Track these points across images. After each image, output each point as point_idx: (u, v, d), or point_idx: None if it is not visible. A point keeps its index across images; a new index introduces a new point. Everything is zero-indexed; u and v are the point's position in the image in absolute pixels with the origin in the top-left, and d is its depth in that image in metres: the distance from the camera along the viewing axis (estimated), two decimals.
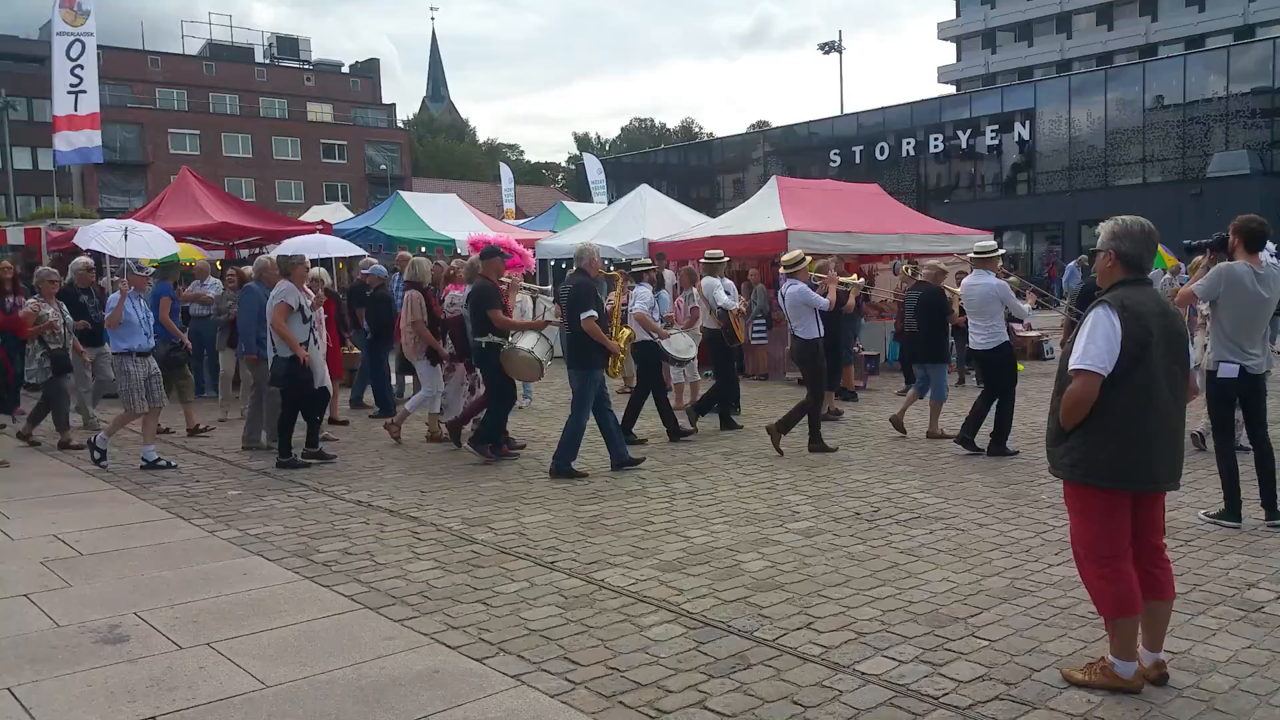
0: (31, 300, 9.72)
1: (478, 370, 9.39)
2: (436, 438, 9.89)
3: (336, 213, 25.84)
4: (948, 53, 73.83)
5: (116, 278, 9.25)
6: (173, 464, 8.73)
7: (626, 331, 9.28)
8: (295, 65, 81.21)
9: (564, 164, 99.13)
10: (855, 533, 6.27)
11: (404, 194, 22.64)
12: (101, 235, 12.05)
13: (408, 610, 4.97)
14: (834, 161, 45.00)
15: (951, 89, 62.42)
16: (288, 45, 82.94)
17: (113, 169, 62.71)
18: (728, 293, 11.08)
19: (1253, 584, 5.14)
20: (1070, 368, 3.83)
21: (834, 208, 16.12)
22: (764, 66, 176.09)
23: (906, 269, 14.15)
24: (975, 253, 9.37)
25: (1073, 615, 4.71)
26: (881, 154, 44.06)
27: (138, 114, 66.32)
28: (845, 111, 47.96)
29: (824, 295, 9.40)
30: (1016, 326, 14.13)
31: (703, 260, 11.57)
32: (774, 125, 61.12)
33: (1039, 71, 57.22)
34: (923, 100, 45.83)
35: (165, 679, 4.14)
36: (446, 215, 21.19)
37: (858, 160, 44.26)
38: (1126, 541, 3.86)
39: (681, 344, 10.14)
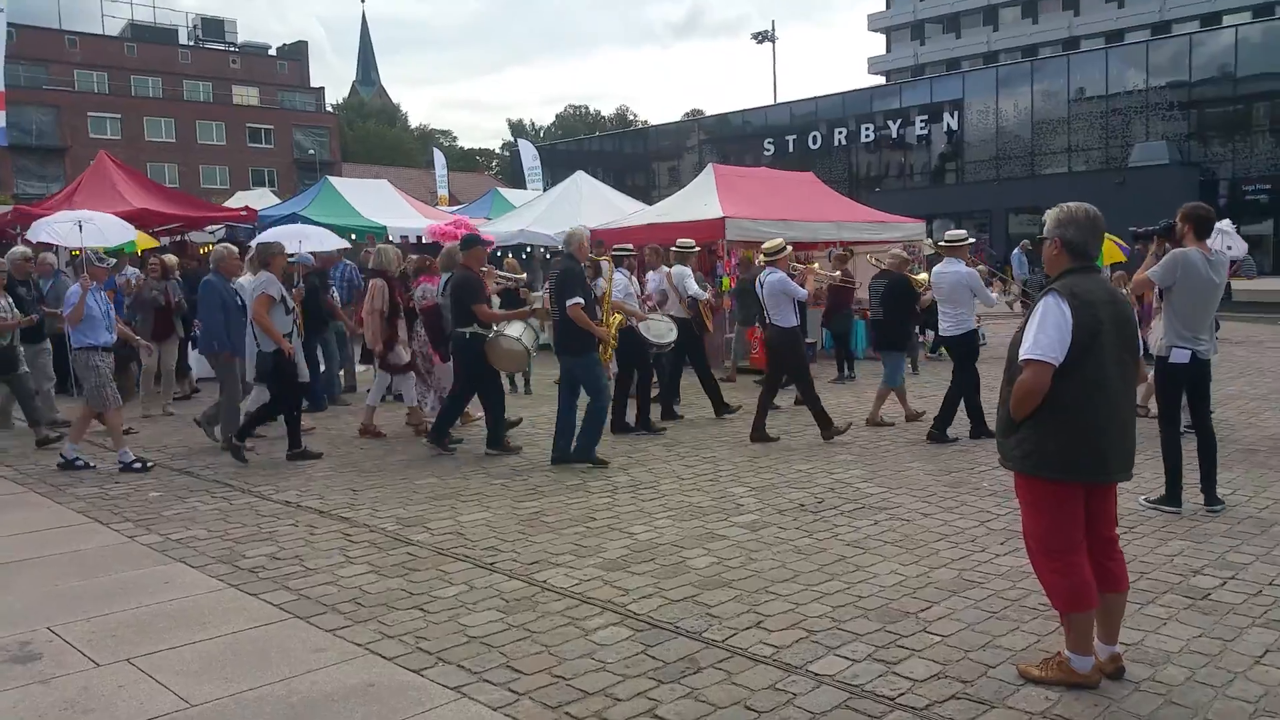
0: None
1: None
2: (420, 431, 9.58)
3: (262, 198, 25.08)
4: (878, 44, 74.80)
5: (66, 270, 8.67)
6: (92, 464, 8.33)
7: (617, 318, 9.08)
8: (220, 48, 78.99)
9: (498, 150, 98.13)
10: (800, 525, 6.19)
11: (333, 179, 22.05)
12: (52, 227, 11.48)
13: (340, 619, 4.74)
14: (768, 150, 45.18)
15: (881, 79, 63.15)
16: (213, 27, 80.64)
17: (28, 153, 60.38)
18: (698, 283, 11.00)
19: (1197, 570, 5.18)
20: (1021, 358, 3.76)
21: (770, 196, 16.09)
22: (698, 55, 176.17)
23: (842, 256, 14.22)
24: (945, 241, 9.47)
25: (1024, 608, 4.68)
26: (814, 143, 44.35)
27: (55, 96, 63.79)
28: (779, 101, 48.18)
29: (801, 285, 9.36)
30: None
31: (674, 249, 11.42)
32: (708, 114, 61.14)
33: (966, 63, 58.13)
34: (854, 90, 46.27)
35: (80, 700, 3.88)
36: (377, 202, 20.64)
37: (791, 149, 44.49)
38: (1080, 534, 3.81)
39: (661, 328, 9.95)
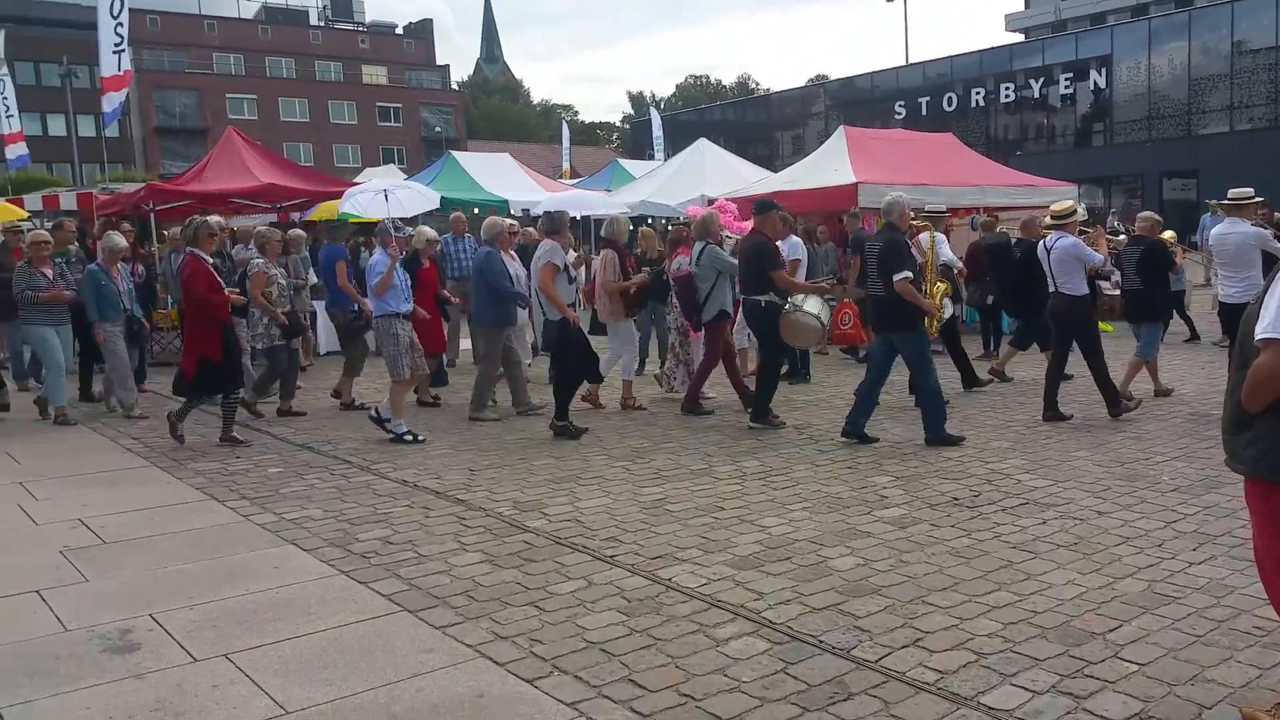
0: (259, 260, 9.24)
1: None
2: (630, 405, 9.35)
3: (389, 174, 25.30)
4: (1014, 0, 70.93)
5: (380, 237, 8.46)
6: (420, 438, 8.10)
7: (941, 286, 8.56)
8: (350, 27, 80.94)
9: (618, 123, 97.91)
10: (956, 522, 5.54)
11: (456, 154, 22.04)
12: (357, 198, 11.56)
13: (450, 614, 4.38)
14: (899, 114, 43.41)
15: (1020, 37, 59.94)
16: (342, 7, 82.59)
17: (173, 134, 63.25)
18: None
19: None
20: (1258, 337, 3.05)
21: (906, 159, 15.15)
22: (822, 18, 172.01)
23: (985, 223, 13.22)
24: (1230, 199, 8.78)
25: (1235, 631, 3.95)
26: (949, 105, 42.37)
27: (196, 80, 66.59)
28: (910, 62, 46.20)
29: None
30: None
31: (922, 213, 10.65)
32: (833, 79, 59.27)
33: (1112, 17, 54.59)
34: (992, 48, 43.94)
35: (172, 701, 3.60)
36: (499, 175, 20.53)
37: (924, 112, 42.61)
38: None
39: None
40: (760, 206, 8.58)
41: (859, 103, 47.83)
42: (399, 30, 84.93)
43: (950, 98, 42.49)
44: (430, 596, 4.61)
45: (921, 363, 7.61)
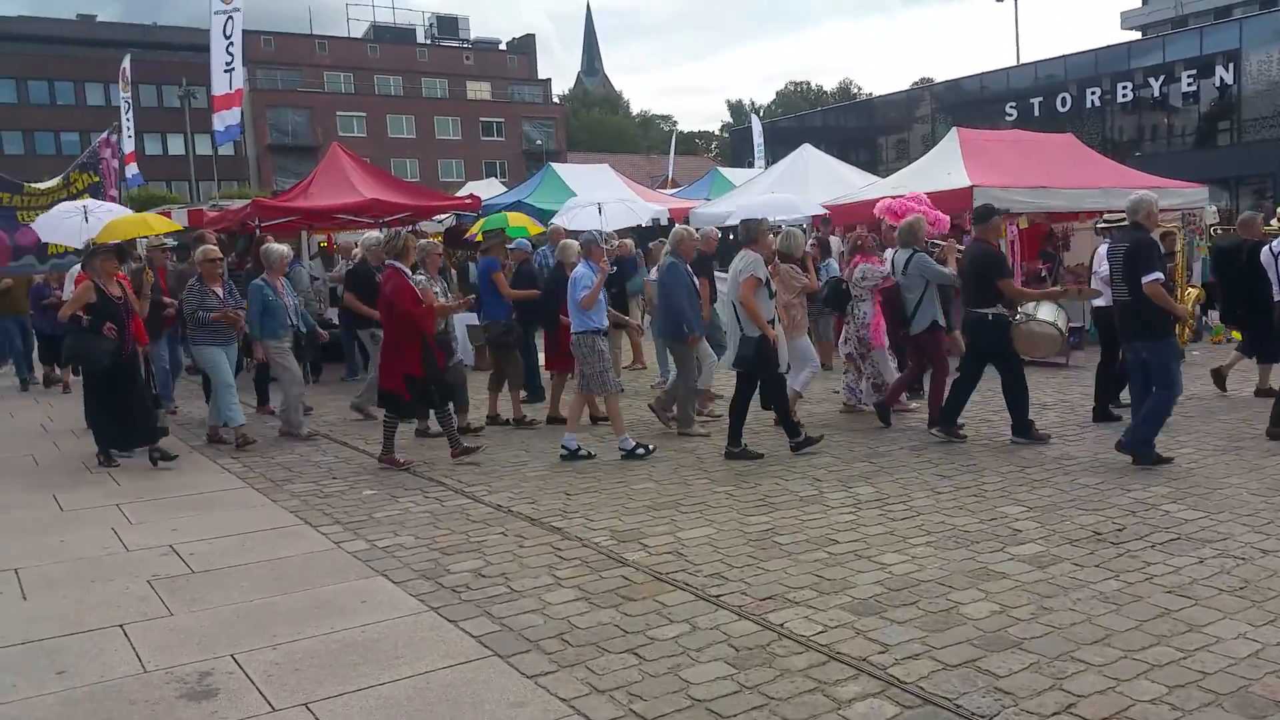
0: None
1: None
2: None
3: (490, 188, 25.53)
4: None
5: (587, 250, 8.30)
6: (593, 453, 7.97)
7: (1194, 292, 8.06)
8: (455, 45, 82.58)
9: (717, 132, 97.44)
10: (1100, 561, 4.97)
11: (555, 166, 22.02)
12: (572, 212, 11.49)
13: (544, 661, 4.04)
14: (1009, 115, 41.80)
15: (1136, 35, 57.33)
16: (448, 25, 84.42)
17: (285, 152, 65.38)
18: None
19: None
20: None
21: (1023, 160, 14.35)
22: (928, 21, 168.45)
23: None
24: None
25: None
26: (1063, 105, 40.57)
27: (307, 98, 68.79)
28: (1021, 62, 44.55)
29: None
30: None
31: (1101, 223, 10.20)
32: (939, 81, 57.63)
33: (1238, 10, 51.68)
34: (1109, 46, 42.00)
35: None
36: (598, 186, 20.34)
37: (1036, 113, 40.93)
38: None
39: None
40: (982, 213, 8.06)
41: (967, 105, 46.28)
42: (502, 46, 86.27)
43: (1064, 98, 40.71)
44: (522, 639, 4.28)
45: (1166, 374, 6.95)
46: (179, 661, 4.14)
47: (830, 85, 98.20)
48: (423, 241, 9.44)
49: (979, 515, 5.89)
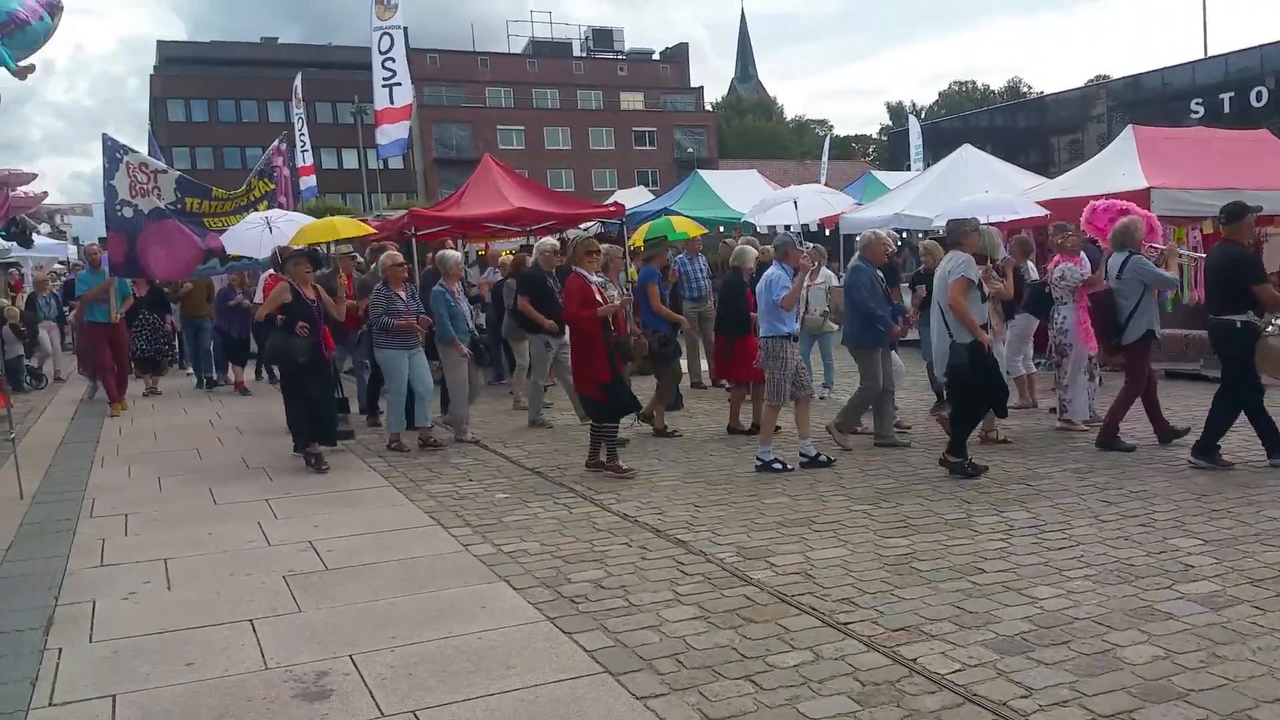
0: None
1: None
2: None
3: (638, 196, 25.63)
4: None
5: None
6: (831, 459, 7.70)
7: None
8: (610, 56, 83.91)
9: (875, 135, 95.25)
10: None
11: (702, 172, 21.91)
12: (773, 209, 11.39)
13: (655, 682, 3.87)
14: (1195, 113, 38.98)
15: None
16: (603, 37, 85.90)
17: (449, 165, 67.83)
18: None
19: None
20: None
21: (1208, 160, 13.23)
22: (1104, 16, 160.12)
23: None
24: None
25: None
26: (1258, 100, 37.56)
27: (470, 113, 71.33)
28: (1209, 55, 41.59)
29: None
30: None
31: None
32: (1115, 77, 54.47)
33: None
34: None
35: None
36: (746, 193, 20.12)
37: (1226, 109, 38.01)
38: None
39: None
40: (1233, 211, 7.34)
41: (1147, 102, 43.46)
42: (655, 56, 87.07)
43: (1259, 92, 37.64)
44: (636, 657, 4.12)
45: None
46: (299, 660, 4.18)
47: (998, 84, 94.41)
48: (605, 246, 9.36)
49: (1146, 547, 5.36)
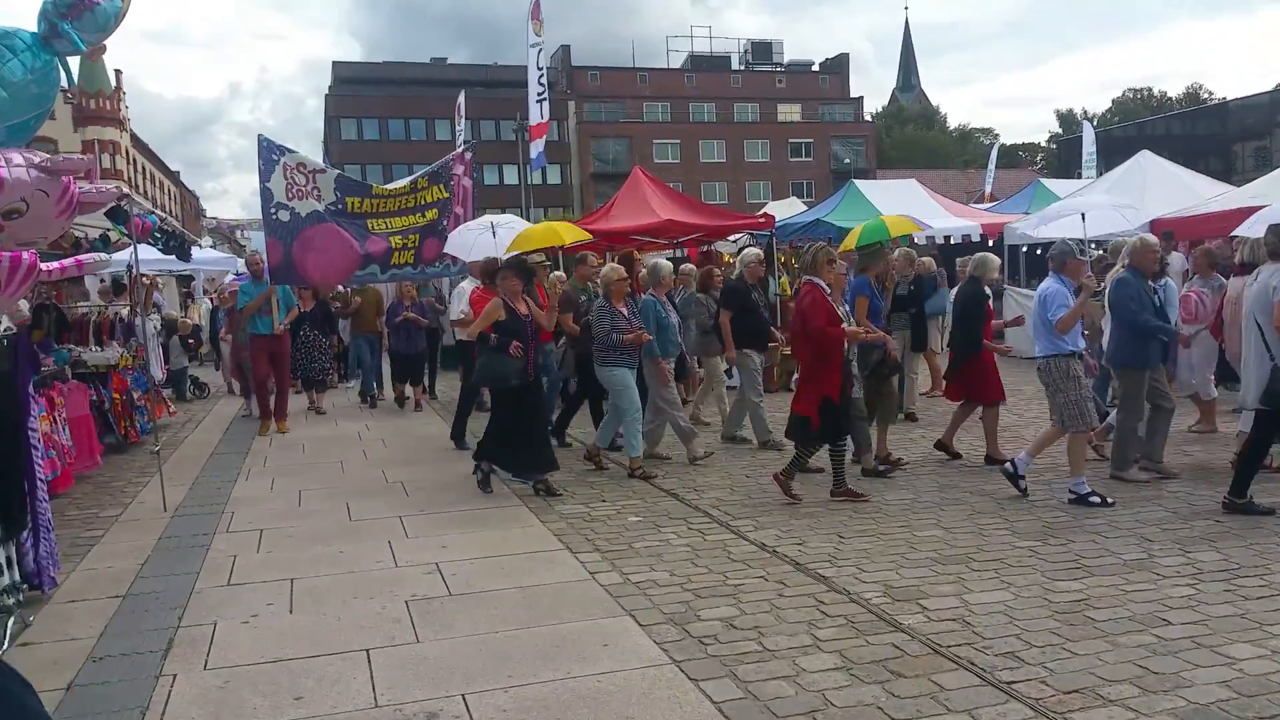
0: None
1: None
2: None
3: (790, 207, 25.08)
4: None
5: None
6: (1110, 501, 6.70)
7: None
8: (768, 69, 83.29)
9: (1044, 144, 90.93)
10: None
11: (858, 182, 21.16)
12: (1056, 221, 10.56)
13: None
14: None
15: None
16: (762, 50, 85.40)
17: (606, 179, 68.74)
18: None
19: None
20: None
21: None
22: None
23: None
24: None
25: None
26: None
27: (628, 128, 72.20)
28: None
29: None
30: None
31: None
32: None
33: None
34: None
35: None
36: (904, 202, 19.28)
37: None
38: None
39: None
40: None
41: None
42: (815, 67, 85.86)
43: None
44: (768, 713, 3.73)
45: None
46: (411, 697, 3.98)
47: (1175, 91, 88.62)
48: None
49: None
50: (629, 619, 4.83)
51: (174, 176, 73.04)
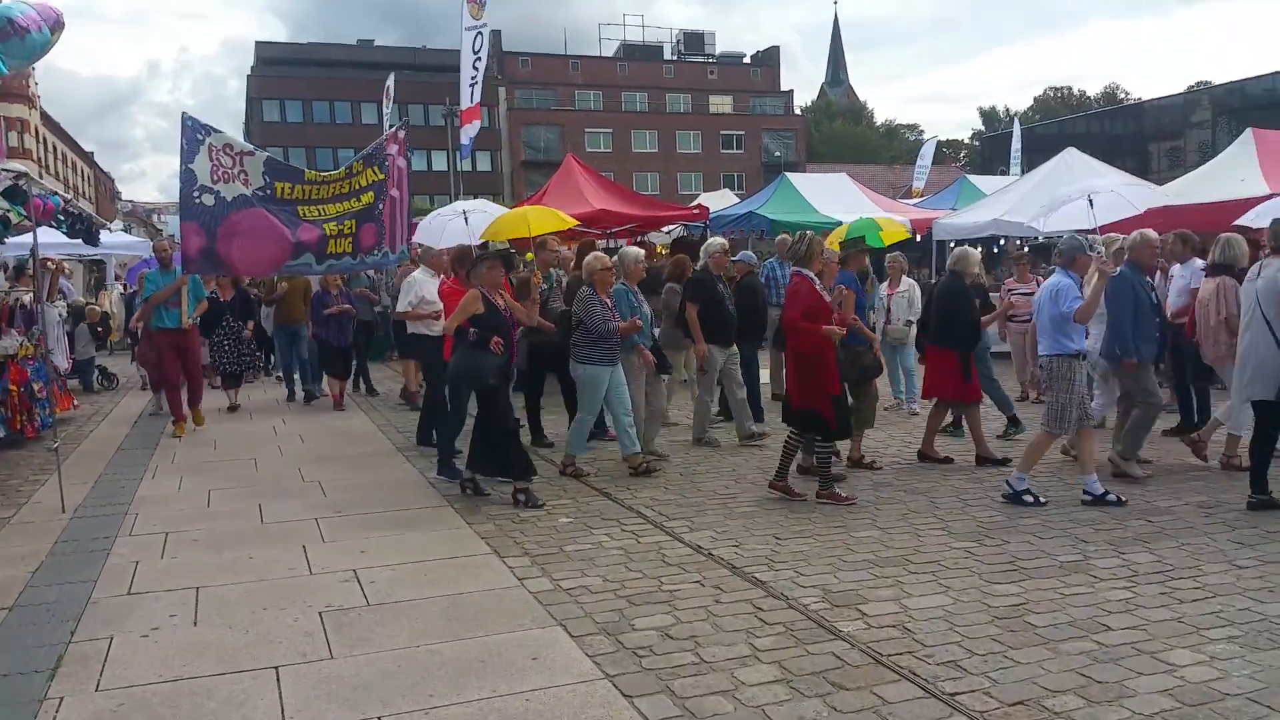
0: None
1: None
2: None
3: (723, 199, 25.04)
4: None
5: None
6: (1122, 500, 6.61)
7: None
8: (700, 60, 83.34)
9: (967, 140, 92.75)
10: None
11: (790, 175, 21.16)
12: (1061, 209, 9.97)
13: None
14: None
15: None
16: (694, 41, 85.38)
17: (536, 167, 68.12)
18: None
19: None
20: None
21: None
22: (1207, 20, 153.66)
23: None
24: None
25: None
26: None
27: (560, 116, 71.67)
28: None
29: None
30: None
31: None
32: (1219, 83, 51.74)
33: None
34: None
35: None
36: (835, 196, 19.37)
37: None
38: None
39: None
40: None
41: (1255, 109, 41.03)
42: (746, 60, 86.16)
43: None
44: None
45: None
46: None
47: (1094, 90, 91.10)
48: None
49: None
50: (559, 629, 4.61)
51: (88, 157, 70.21)
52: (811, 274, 6.98)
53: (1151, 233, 7.69)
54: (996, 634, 4.36)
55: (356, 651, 4.39)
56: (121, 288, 21.66)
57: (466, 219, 10.98)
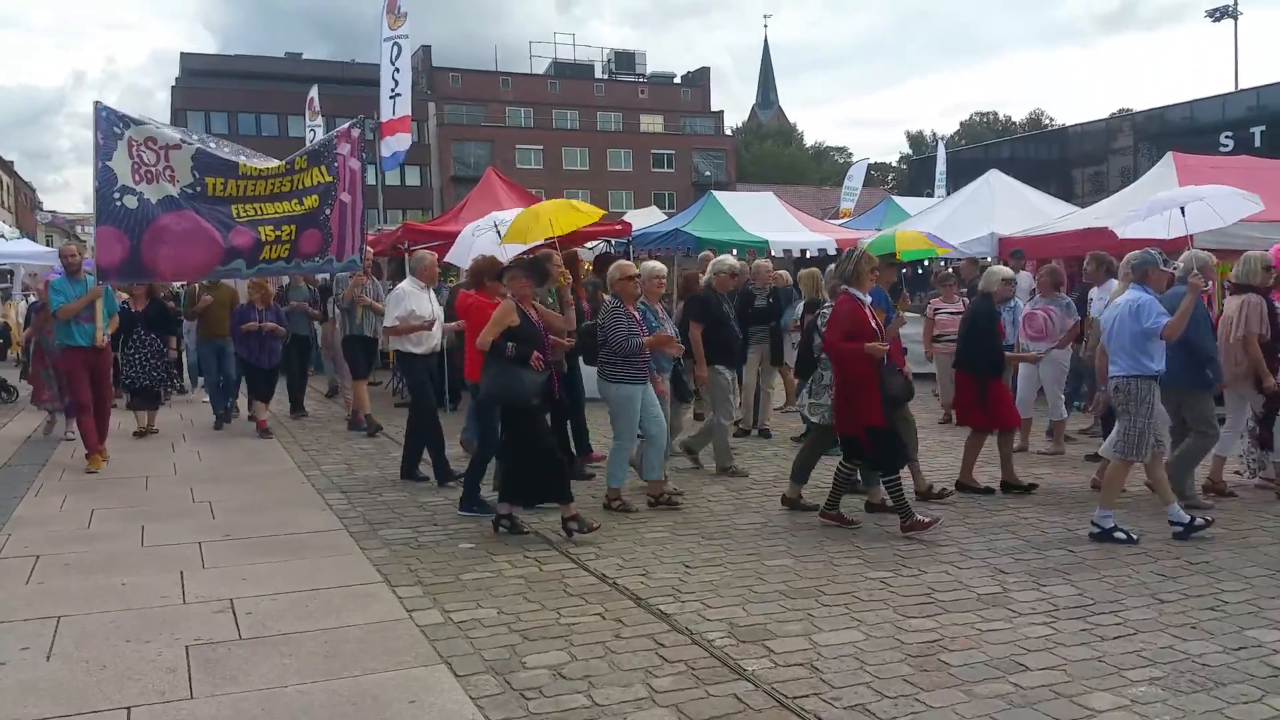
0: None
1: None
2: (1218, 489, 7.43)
3: (650, 216, 24.83)
4: None
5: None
6: (1209, 520, 6.32)
7: None
8: (631, 79, 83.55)
9: (895, 164, 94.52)
10: None
11: (717, 194, 21.04)
12: (1146, 219, 8.96)
13: None
14: (1225, 146, 37.82)
15: None
16: (625, 60, 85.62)
17: (467, 183, 67.17)
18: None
19: None
20: None
21: (1253, 191, 12.31)
22: (1129, 49, 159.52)
23: None
24: None
25: None
26: None
27: (490, 132, 71.16)
28: (1241, 88, 40.68)
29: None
30: None
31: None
32: (1139, 110, 53.48)
33: None
34: None
35: None
36: (761, 216, 19.26)
37: (1258, 143, 36.98)
38: None
39: None
40: None
41: (1173, 135, 42.40)
42: (677, 80, 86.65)
43: None
44: None
45: None
46: None
47: (1019, 116, 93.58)
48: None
49: (1221, 641, 4.44)
50: (443, 667, 4.25)
51: (8, 166, 67.53)
52: (861, 295, 6.51)
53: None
54: (909, 674, 4.12)
55: (220, 691, 3.98)
56: (30, 298, 20.61)
57: (499, 231, 10.11)
